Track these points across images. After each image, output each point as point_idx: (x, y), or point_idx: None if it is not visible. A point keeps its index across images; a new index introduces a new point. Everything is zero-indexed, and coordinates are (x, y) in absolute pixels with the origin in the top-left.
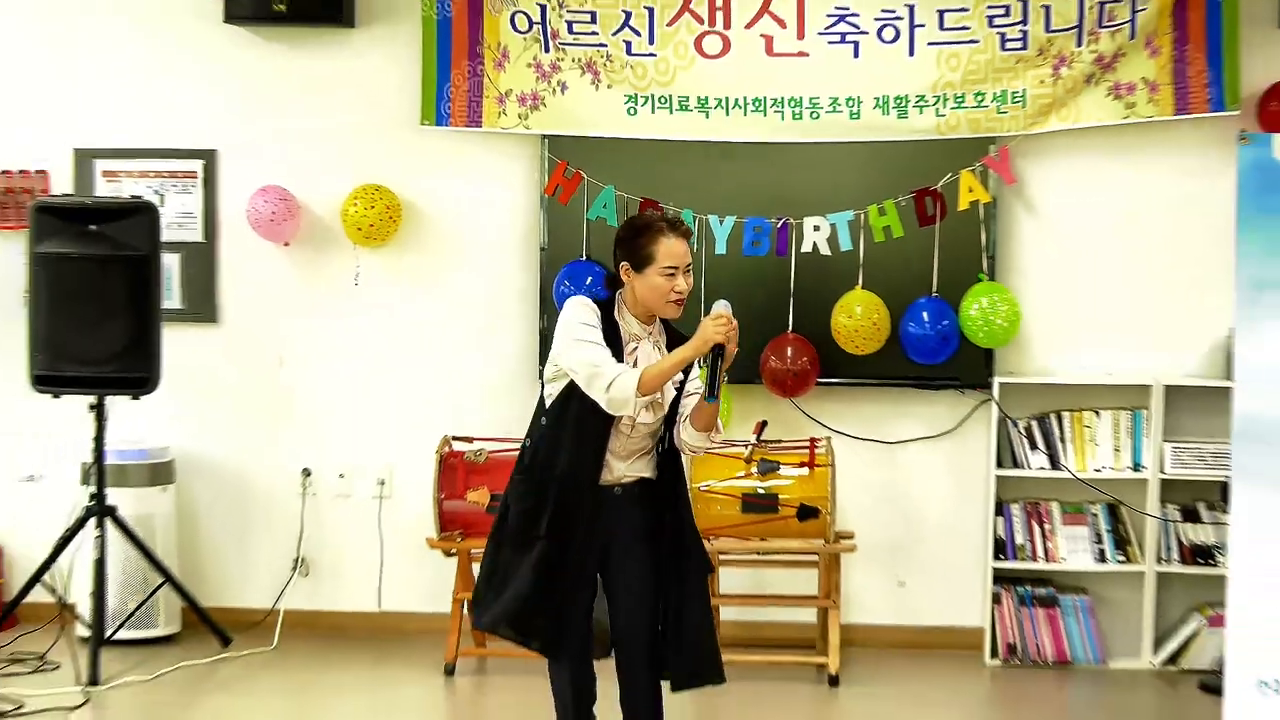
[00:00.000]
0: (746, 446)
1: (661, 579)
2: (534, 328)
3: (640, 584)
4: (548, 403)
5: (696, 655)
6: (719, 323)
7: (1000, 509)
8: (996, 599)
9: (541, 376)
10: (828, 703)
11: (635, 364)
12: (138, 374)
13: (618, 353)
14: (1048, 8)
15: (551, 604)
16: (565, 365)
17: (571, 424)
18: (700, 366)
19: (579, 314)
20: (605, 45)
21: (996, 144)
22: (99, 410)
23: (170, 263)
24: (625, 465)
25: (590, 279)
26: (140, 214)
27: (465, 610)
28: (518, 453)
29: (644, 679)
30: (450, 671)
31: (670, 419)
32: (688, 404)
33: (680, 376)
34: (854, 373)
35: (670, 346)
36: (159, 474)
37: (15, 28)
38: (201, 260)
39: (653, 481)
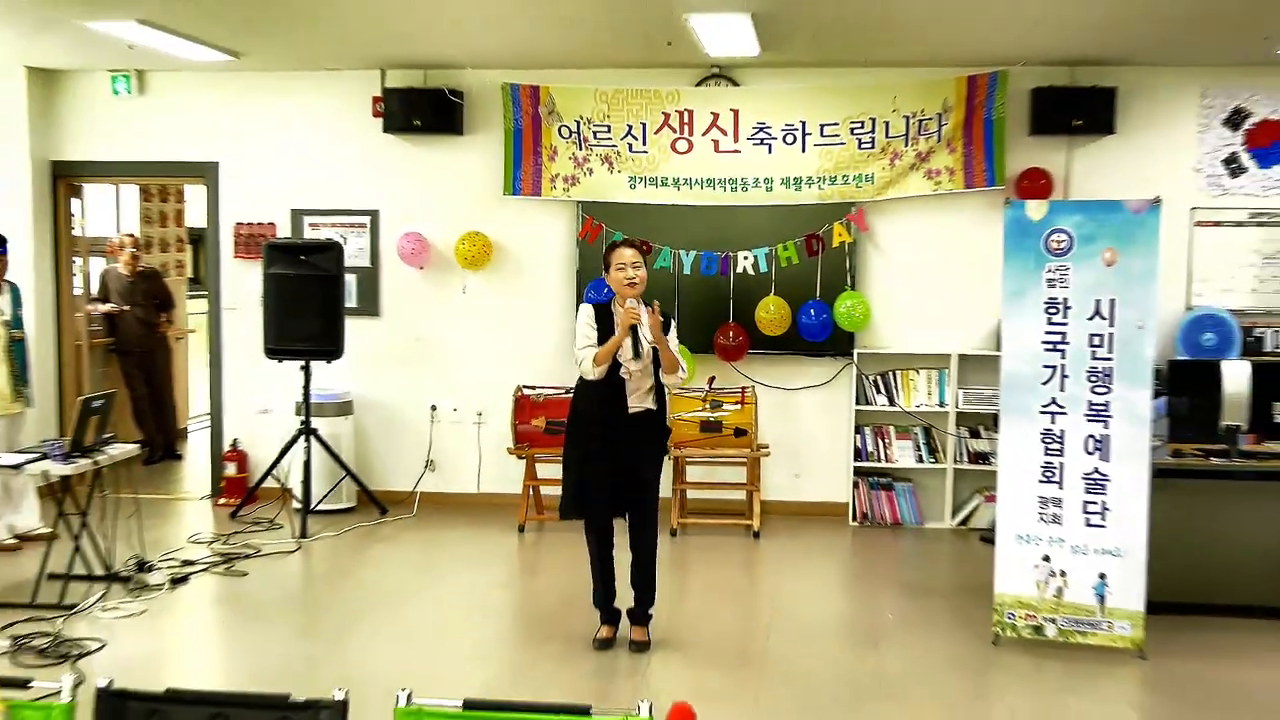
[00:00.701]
0: (703, 392)
1: None
2: (571, 320)
3: (644, 472)
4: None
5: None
6: (631, 313)
7: (858, 430)
8: (855, 485)
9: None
10: (753, 549)
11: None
12: (330, 348)
13: (611, 332)
14: (887, 123)
15: (601, 494)
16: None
17: (605, 382)
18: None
19: (582, 320)
20: (615, 146)
21: (855, 206)
22: (306, 370)
23: (350, 280)
24: (636, 400)
25: (605, 290)
26: (332, 250)
27: (531, 494)
28: (570, 400)
29: (641, 527)
30: (521, 530)
31: (656, 372)
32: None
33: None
34: (769, 346)
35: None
36: (343, 409)
37: (253, 139)
38: (369, 278)
39: (654, 410)
